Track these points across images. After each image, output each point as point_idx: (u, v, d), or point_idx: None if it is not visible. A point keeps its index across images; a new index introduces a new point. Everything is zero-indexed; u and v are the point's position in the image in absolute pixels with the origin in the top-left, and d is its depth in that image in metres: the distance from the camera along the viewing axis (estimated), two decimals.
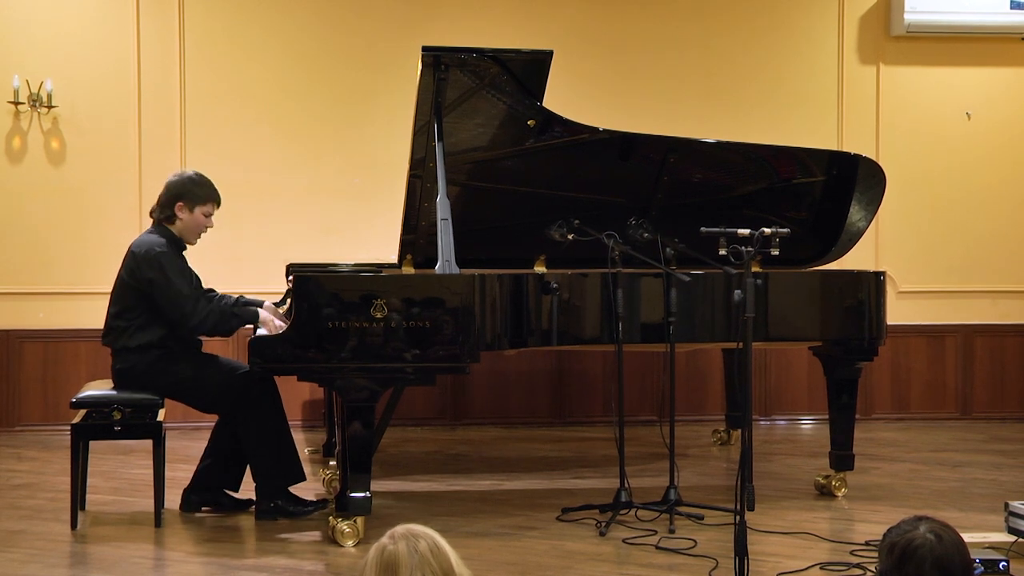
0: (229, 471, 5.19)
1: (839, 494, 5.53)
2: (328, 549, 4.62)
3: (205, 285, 5.30)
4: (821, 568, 4.33)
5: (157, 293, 4.95)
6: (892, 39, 7.86)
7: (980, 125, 7.97)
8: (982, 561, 4.08)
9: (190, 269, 5.15)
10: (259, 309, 5.17)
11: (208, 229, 5.21)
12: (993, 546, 4.37)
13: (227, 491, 5.23)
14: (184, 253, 5.20)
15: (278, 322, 5.09)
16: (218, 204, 5.19)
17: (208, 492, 5.21)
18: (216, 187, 5.17)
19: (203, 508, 5.19)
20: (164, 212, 5.11)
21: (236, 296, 5.34)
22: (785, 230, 4.27)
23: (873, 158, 6.01)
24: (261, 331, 5.07)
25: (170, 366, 4.99)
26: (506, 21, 7.58)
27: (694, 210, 5.86)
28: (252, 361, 4.68)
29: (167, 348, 5.01)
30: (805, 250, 5.98)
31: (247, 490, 5.17)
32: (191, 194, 5.09)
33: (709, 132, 6.82)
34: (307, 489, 5.37)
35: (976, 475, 6.14)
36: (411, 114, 5.12)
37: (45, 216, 7.32)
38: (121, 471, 6.10)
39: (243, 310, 5.12)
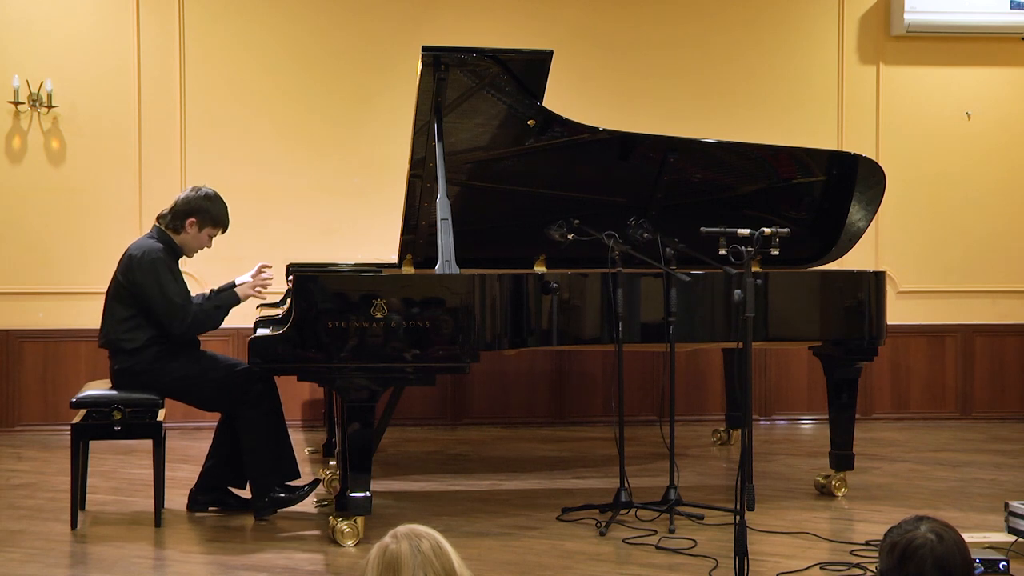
0: (234, 471, 5.19)
1: (839, 494, 5.53)
2: (328, 549, 4.62)
3: (205, 285, 5.31)
4: (821, 568, 4.33)
5: (148, 299, 4.97)
6: (892, 39, 7.86)
7: (980, 125, 7.97)
8: (982, 561, 4.09)
9: (182, 278, 5.16)
10: (235, 290, 5.17)
11: (205, 249, 5.25)
12: (993, 546, 4.38)
13: (233, 490, 5.23)
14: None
15: (258, 287, 5.16)
16: (224, 230, 5.23)
17: (214, 492, 5.22)
18: (229, 215, 5.20)
19: (210, 508, 5.20)
20: (174, 221, 5.12)
21: (209, 291, 5.34)
22: (785, 230, 4.27)
23: (873, 158, 6.01)
24: (262, 331, 5.07)
25: (168, 364, 5.00)
26: (506, 21, 7.58)
27: (694, 210, 5.86)
28: (252, 361, 4.70)
29: (164, 346, 5.02)
30: (805, 250, 5.98)
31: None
32: (207, 214, 5.12)
33: (709, 132, 6.82)
34: None
35: (976, 475, 6.14)
36: (411, 114, 5.12)
37: (45, 216, 7.31)
38: (121, 471, 6.10)
39: (221, 298, 5.15)
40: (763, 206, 5.98)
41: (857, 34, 7.86)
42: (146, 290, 4.97)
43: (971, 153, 7.97)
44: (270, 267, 5.29)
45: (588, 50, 7.65)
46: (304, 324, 4.64)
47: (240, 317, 5.94)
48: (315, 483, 5.19)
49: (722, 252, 4.23)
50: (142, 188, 7.31)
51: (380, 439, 5.57)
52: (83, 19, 7.34)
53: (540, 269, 5.71)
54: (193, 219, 5.10)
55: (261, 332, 5.05)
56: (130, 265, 5.02)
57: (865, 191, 5.82)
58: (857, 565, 4.34)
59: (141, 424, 4.92)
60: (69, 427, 4.96)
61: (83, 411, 4.96)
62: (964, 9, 7.67)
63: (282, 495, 5.05)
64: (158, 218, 5.19)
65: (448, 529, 4.72)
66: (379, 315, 4.63)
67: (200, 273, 7.02)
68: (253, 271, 5.26)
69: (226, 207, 5.19)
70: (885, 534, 2.39)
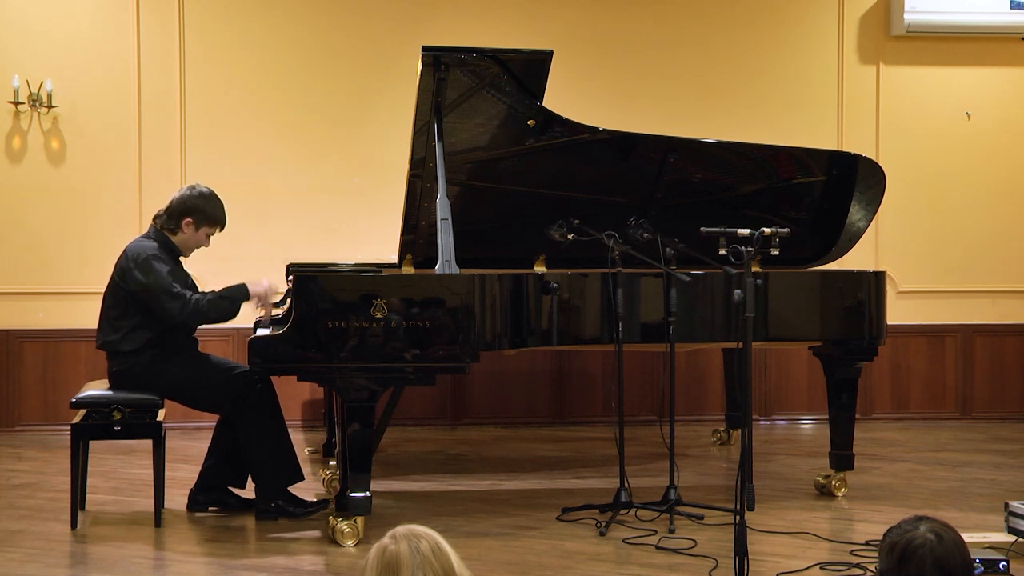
0: (234, 470, 5.19)
1: (839, 494, 5.53)
2: (328, 549, 4.62)
3: (206, 286, 5.29)
4: (821, 568, 4.33)
5: (148, 296, 4.94)
6: (892, 39, 7.86)
7: (980, 125, 7.97)
8: (982, 561, 4.09)
9: (183, 271, 5.14)
10: (246, 284, 5.11)
11: (203, 248, 5.23)
12: (993, 546, 4.38)
13: (233, 490, 5.23)
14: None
15: (266, 284, 5.10)
16: (222, 228, 5.21)
17: (215, 491, 5.21)
18: (226, 212, 5.17)
19: (210, 508, 5.20)
20: (170, 222, 5.11)
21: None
22: (785, 230, 4.27)
23: (873, 158, 6.01)
24: (262, 331, 5.07)
25: (166, 367, 4.99)
26: (506, 21, 7.58)
27: (694, 210, 5.86)
28: (252, 361, 4.69)
29: (162, 348, 5.01)
30: (805, 250, 5.98)
31: (252, 489, 5.16)
32: (203, 213, 5.09)
33: (709, 132, 6.82)
34: (307, 489, 5.37)
35: (976, 475, 6.14)
36: (411, 114, 5.12)
37: (45, 216, 7.31)
38: (121, 471, 6.10)
39: (229, 290, 5.06)
40: (763, 206, 5.98)
41: (857, 34, 7.86)
42: (142, 286, 4.94)
43: (971, 153, 7.97)
44: (280, 294, 5.23)
45: (588, 50, 7.65)
46: (304, 324, 4.63)
47: (240, 317, 5.92)
48: (323, 504, 5.16)
49: (722, 252, 4.23)
50: (142, 188, 7.31)
51: (380, 439, 5.57)
52: (83, 19, 7.34)
53: (540, 269, 5.71)
54: (189, 219, 5.09)
55: (261, 332, 5.05)
56: (125, 267, 5.00)
57: (865, 191, 5.82)
58: (857, 565, 4.34)
59: (141, 424, 4.92)
60: (69, 427, 4.96)
61: (83, 411, 4.96)
62: (964, 9, 7.67)
63: (290, 509, 5.04)
64: (154, 218, 5.17)
65: (448, 529, 4.72)
66: (379, 315, 4.62)
67: (200, 273, 6.99)
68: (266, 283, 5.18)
69: (222, 205, 5.16)
70: (885, 534, 2.39)
